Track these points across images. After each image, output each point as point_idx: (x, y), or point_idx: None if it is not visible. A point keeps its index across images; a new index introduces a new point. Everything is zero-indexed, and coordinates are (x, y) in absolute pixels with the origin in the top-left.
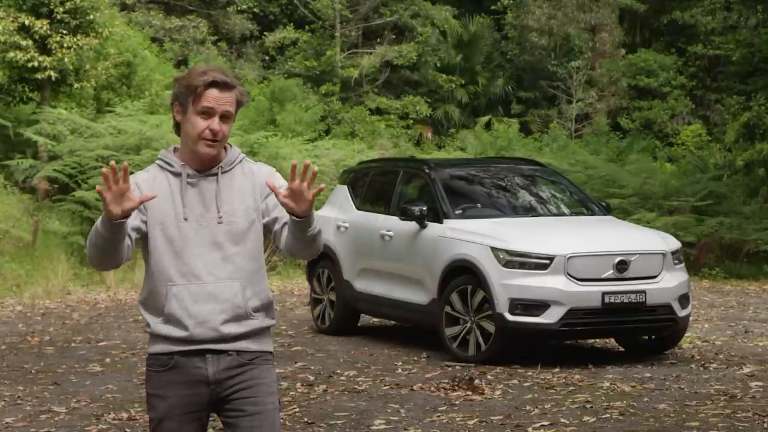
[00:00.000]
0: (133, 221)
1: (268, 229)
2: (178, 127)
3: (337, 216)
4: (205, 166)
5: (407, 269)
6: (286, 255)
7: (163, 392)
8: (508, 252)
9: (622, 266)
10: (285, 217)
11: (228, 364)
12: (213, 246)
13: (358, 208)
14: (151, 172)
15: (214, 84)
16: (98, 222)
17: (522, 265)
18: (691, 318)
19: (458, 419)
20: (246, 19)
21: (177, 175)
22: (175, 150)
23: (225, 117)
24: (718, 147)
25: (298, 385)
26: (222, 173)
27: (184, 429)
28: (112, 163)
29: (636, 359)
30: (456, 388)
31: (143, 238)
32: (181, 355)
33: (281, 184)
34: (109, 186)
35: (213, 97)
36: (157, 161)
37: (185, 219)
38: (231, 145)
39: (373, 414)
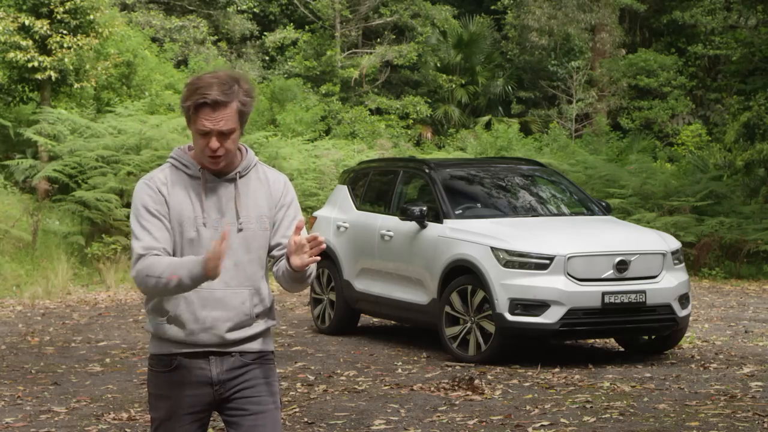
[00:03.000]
0: (167, 236)
1: (269, 248)
2: None
3: (337, 216)
4: (221, 170)
5: (407, 269)
6: None
7: (166, 392)
8: (508, 252)
9: (622, 266)
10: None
11: (231, 365)
12: (227, 252)
13: (358, 208)
14: (165, 172)
15: (204, 105)
16: (187, 277)
17: (522, 265)
18: (691, 318)
19: (458, 419)
20: (246, 19)
21: (194, 177)
22: (190, 148)
23: (223, 135)
24: (718, 147)
25: (298, 385)
26: (240, 178)
27: (186, 429)
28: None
29: (636, 359)
30: (456, 388)
31: None
32: (185, 357)
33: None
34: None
35: (205, 118)
36: (171, 160)
37: (204, 224)
38: (247, 149)
39: (373, 414)
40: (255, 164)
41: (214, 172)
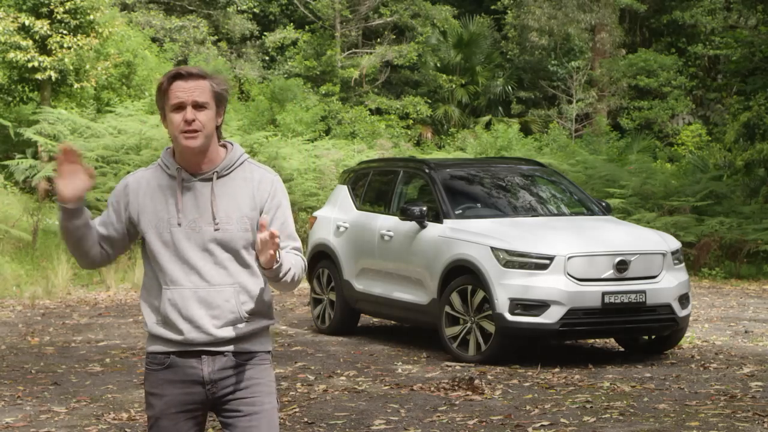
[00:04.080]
0: (104, 230)
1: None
2: None
3: (337, 216)
4: (200, 168)
5: (407, 269)
6: None
7: (159, 390)
8: (508, 252)
9: (622, 266)
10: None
11: (223, 364)
12: (205, 251)
13: (358, 208)
14: (150, 170)
15: (177, 76)
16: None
17: (522, 265)
18: (691, 318)
19: (458, 419)
20: (246, 19)
21: (173, 178)
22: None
23: (198, 106)
24: (718, 147)
25: (298, 385)
26: (217, 178)
27: (180, 427)
28: (64, 145)
29: (636, 359)
30: (456, 388)
31: (142, 240)
32: (177, 355)
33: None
34: (62, 165)
35: (179, 89)
36: (158, 161)
37: (178, 224)
38: (233, 145)
39: (373, 414)
40: (241, 162)
41: (192, 171)
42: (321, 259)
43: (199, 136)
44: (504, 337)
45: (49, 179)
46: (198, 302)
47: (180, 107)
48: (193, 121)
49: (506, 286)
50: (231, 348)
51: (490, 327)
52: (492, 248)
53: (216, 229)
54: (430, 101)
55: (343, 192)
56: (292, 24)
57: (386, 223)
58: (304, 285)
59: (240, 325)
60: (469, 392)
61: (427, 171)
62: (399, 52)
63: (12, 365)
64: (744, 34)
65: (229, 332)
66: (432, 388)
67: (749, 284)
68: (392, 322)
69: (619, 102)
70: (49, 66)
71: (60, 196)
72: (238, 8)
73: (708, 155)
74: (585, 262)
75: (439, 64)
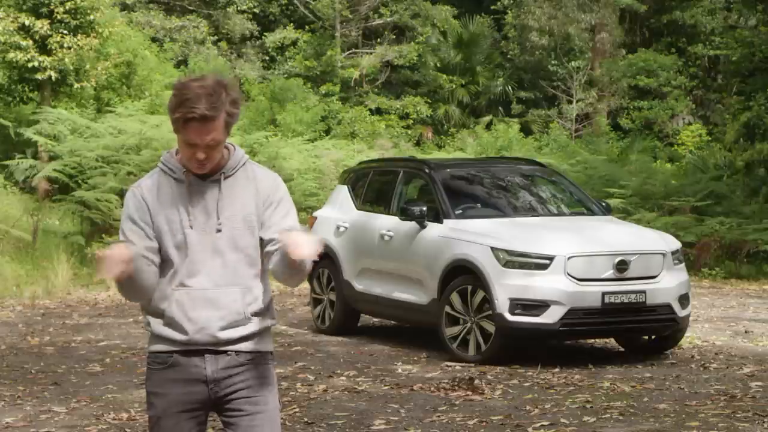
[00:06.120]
0: (148, 243)
1: (261, 244)
2: None
3: (337, 216)
4: (206, 172)
5: (407, 269)
6: None
7: (161, 390)
8: (508, 252)
9: (622, 266)
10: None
11: (227, 363)
12: (214, 253)
13: (358, 208)
14: (154, 177)
15: (192, 120)
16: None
17: (522, 265)
18: (691, 318)
19: (458, 419)
20: (246, 19)
21: (180, 181)
22: (177, 152)
23: (210, 147)
24: (718, 147)
25: (298, 385)
26: (224, 179)
27: (182, 427)
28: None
29: (636, 359)
30: (456, 388)
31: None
32: (181, 354)
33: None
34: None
35: (193, 131)
36: (160, 165)
37: (191, 227)
38: (234, 147)
39: (373, 414)
40: (243, 163)
41: (199, 174)
42: (321, 259)
43: (207, 166)
44: (504, 337)
45: (50, 179)
46: (205, 303)
47: (193, 145)
48: (205, 159)
49: (506, 286)
50: (234, 348)
51: (490, 327)
52: (492, 248)
53: (219, 230)
54: (430, 101)
55: (343, 192)
56: (292, 24)
57: (386, 223)
58: (304, 285)
59: (244, 326)
60: (469, 392)
61: (427, 171)
62: (399, 52)
63: (12, 365)
64: (744, 34)
65: (232, 334)
66: (432, 388)
67: (749, 284)
68: (392, 322)
69: (619, 102)
70: (49, 66)
71: (110, 275)
72: (238, 8)
73: (708, 155)
74: (585, 262)
75: (439, 64)
